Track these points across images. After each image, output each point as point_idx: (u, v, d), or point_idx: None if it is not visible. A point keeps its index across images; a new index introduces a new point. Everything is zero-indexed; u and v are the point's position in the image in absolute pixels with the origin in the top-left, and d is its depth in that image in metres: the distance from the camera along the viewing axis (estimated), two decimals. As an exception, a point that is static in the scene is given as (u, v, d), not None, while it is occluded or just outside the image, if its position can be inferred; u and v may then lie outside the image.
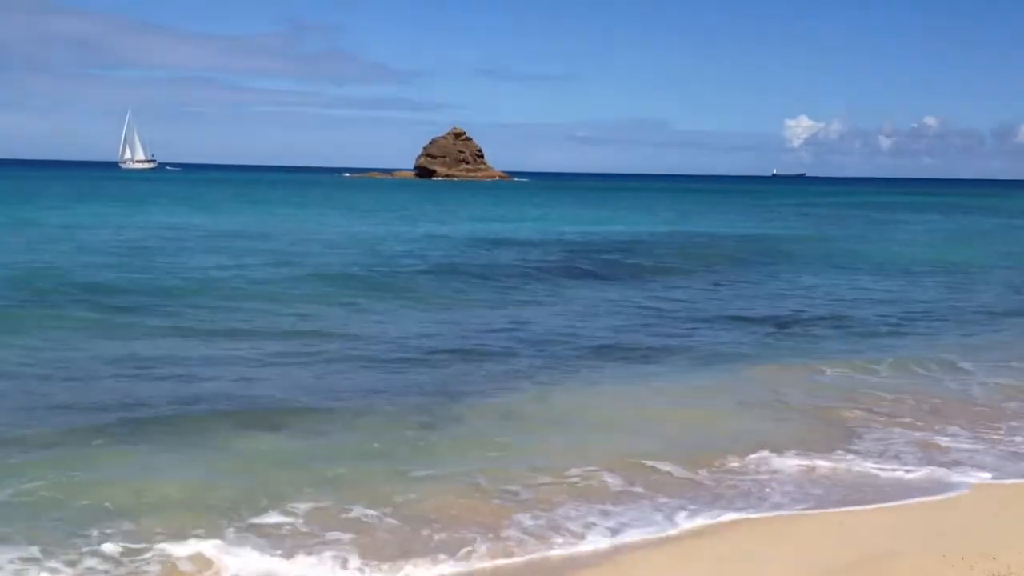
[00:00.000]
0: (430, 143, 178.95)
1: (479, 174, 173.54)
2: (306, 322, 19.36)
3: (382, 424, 12.08)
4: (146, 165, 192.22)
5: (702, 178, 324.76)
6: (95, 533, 8.35)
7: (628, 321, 20.72)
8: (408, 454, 10.88)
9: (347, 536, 8.55)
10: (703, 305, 23.55)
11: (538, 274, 28.71)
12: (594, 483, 10.06)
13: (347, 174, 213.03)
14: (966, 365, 16.32)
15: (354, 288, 24.31)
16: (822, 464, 10.84)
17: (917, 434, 12.17)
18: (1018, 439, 12.09)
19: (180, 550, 8.09)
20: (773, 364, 16.22)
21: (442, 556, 8.22)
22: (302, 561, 8.07)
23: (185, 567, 7.86)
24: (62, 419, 11.82)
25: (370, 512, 9.06)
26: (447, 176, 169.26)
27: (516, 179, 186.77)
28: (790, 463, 10.82)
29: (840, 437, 11.95)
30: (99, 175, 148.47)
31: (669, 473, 10.43)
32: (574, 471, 10.32)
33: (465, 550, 8.34)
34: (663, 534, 8.88)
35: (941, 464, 10.99)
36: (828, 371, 15.68)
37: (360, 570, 7.98)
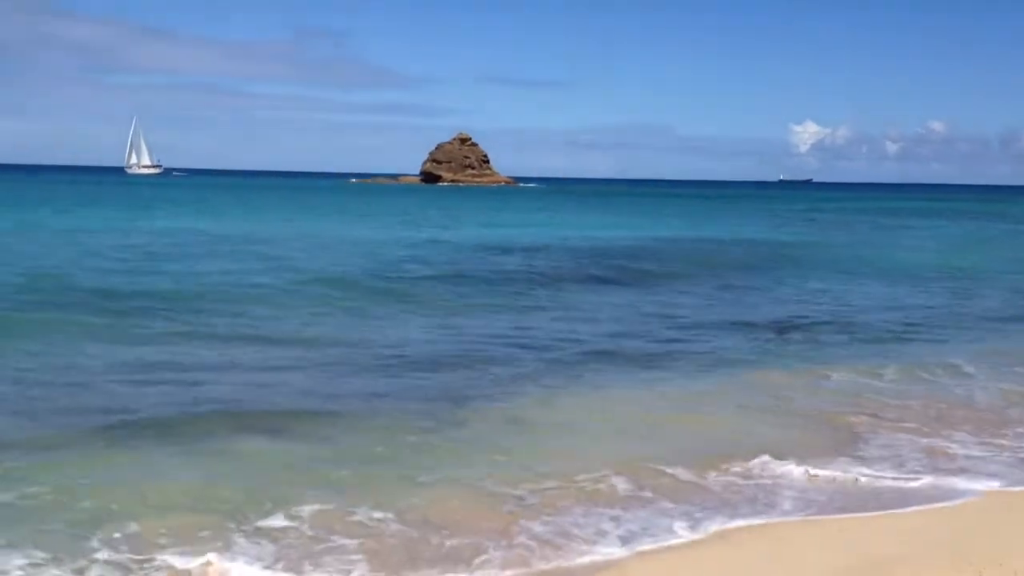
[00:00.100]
0: (436, 148, 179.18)
1: (485, 179, 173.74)
2: (310, 327, 19.37)
3: (387, 429, 12.06)
4: (152, 170, 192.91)
5: (708, 183, 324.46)
6: (100, 537, 8.34)
7: (633, 326, 20.70)
8: (413, 459, 10.85)
9: (354, 542, 8.51)
10: (708, 310, 23.52)
11: (543, 279, 28.70)
12: (601, 488, 10.02)
13: (353, 179, 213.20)
14: (972, 371, 16.28)
15: (358, 293, 24.31)
16: (827, 470, 10.79)
17: (923, 440, 12.12)
18: (1025, 445, 12.03)
19: (185, 554, 8.07)
20: (778, 369, 16.20)
21: (454, 565, 8.14)
22: (309, 567, 8.03)
23: (190, 572, 7.85)
24: (66, 423, 11.83)
25: (377, 517, 9.03)
26: (453, 181, 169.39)
27: (521, 184, 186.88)
28: (795, 469, 10.77)
29: (846, 443, 11.91)
30: (105, 180, 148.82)
31: (676, 478, 10.40)
32: (581, 476, 10.29)
33: (480, 559, 8.24)
34: (675, 541, 8.82)
35: (947, 471, 10.95)
36: (834, 376, 15.64)
37: (370, 578, 7.91)
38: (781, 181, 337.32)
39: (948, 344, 19.23)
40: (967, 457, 11.48)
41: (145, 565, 7.90)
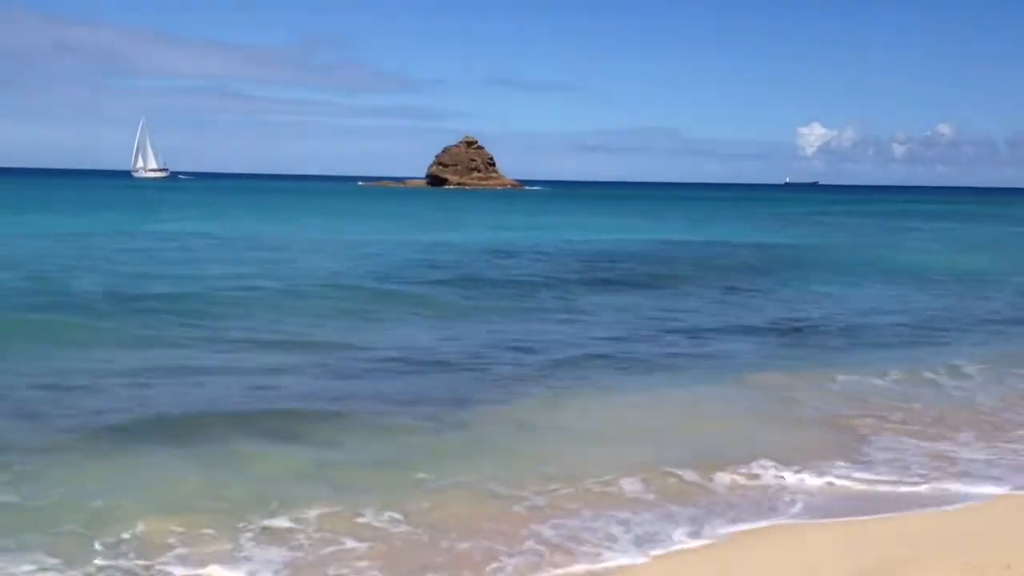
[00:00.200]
0: (442, 152, 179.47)
1: (491, 182, 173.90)
2: (317, 330, 19.39)
3: (392, 431, 12.09)
4: (158, 174, 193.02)
5: (714, 186, 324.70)
6: (108, 540, 8.38)
7: (639, 329, 20.70)
8: (420, 461, 10.85)
9: (363, 545, 8.51)
10: (714, 313, 23.52)
11: (548, 282, 28.70)
12: (609, 491, 10.04)
13: (360, 183, 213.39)
14: (979, 374, 16.26)
15: (364, 296, 24.33)
16: (834, 473, 10.79)
17: (929, 444, 12.12)
18: (1032, 448, 12.02)
19: (192, 557, 8.11)
20: (784, 372, 16.18)
21: (466, 570, 8.11)
22: (318, 570, 8.04)
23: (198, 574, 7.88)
24: (73, 426, 11.87)
25: (385, 520, 9.04)
26: (459, 184, 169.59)
27: (527, 187, 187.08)
28: (801, 472, 10.77)
29: (852, 446, 11.91)
30: (111, 184, 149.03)
31: (683, 481, 10.42)
32: (588, 479, 10.30)
33: (492, 565, 8.20)
34: (686, 545, 8.81)
35: (953, 474, 10.94)
36: (839, 379, 15.62)
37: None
38: (787, 184, 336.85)
39: (954, 347, 19.20)
40: (973, 461, 11.47)
41: (152, 569, 7.93)
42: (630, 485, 10.20)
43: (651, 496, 9.97)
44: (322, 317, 21.04)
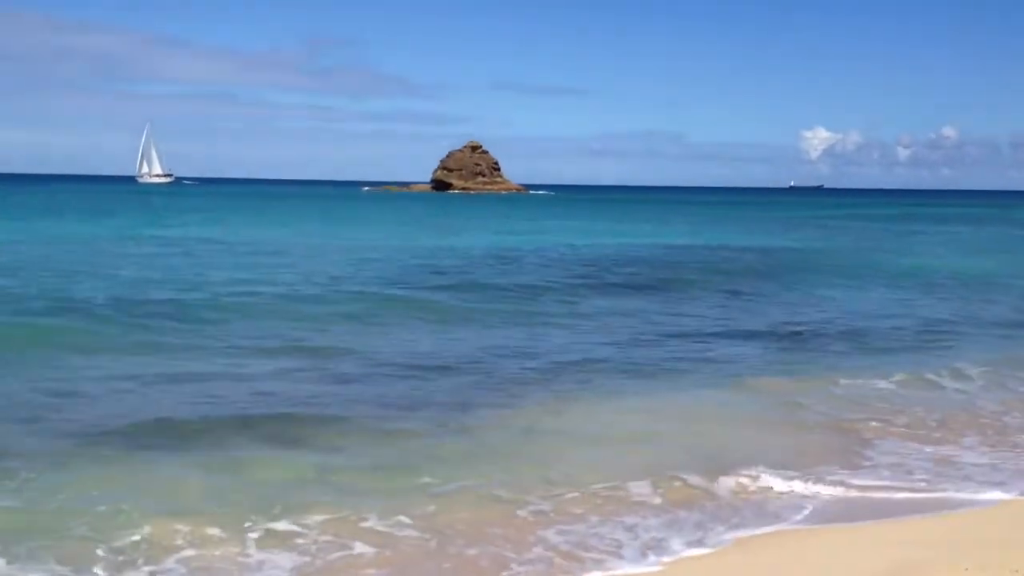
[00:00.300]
0: (447, 156, 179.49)
1: (496, 187, 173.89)
2: (319, 335, 19.40)
3: (397, 436, 12.10)
4: (163, 179, 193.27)
5: (719, 190, 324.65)
6: (114, 544, 8.40)
7: (644, 334, 20.69)
8: (424, 466, 10.85)
9: (370, 550, 8.51)
10: (719, 318, 23.51)
11: (554, 287, 28.69)
12: (615, 497, 10.04)
13: (365, 188, 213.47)
14: (983, 379, 16.25)
15: (368, 302, 24.32)
16: (838, 478, 10.79)
17: (934, 448, 12.12)
18: (1037, 453, 11.99)
19: (199, 563, 8.13)
20: (788, 377, 16.18)
21: (477, 576, 8.07)
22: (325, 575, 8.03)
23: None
24: (79, 431, 11.90)
25: (391, 525, 9.04)
26: (464, 189, 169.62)
27: (532, 191, 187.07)
28: (805, 477, 10.76)
29: (856, 451, 11.91)
30: (115, 189, 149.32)
31: (689, 486, 10.42)
32: (594, 485, 10.30)
33: (503, 575, 8.17)
34: (695, 551, 8.80)
35: (958, 479, 10.93)
36: (843, 383, 15.61)
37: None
38: (792, 187, 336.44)
39: (959, 351, 19.17)
40: (978, 465, 11.46)
41: (158, 574, 7.95)
42: (635, 490, 10.20)
43: (657, 500, 9.97)
44: (325, 322, 21.05)
